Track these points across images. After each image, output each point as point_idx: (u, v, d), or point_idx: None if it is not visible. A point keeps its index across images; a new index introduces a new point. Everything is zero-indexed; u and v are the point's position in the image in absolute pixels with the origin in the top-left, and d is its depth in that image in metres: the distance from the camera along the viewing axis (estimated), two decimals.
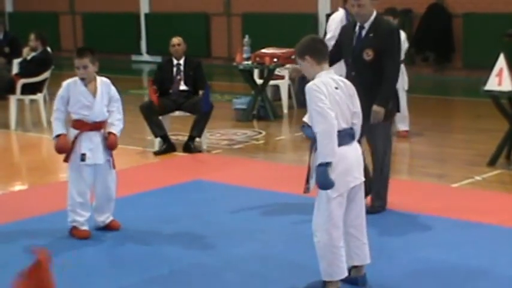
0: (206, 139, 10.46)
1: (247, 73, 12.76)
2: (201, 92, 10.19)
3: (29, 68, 12.27)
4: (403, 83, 10.85)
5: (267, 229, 6.86)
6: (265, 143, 11.02)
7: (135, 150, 10.34)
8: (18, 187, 9.03)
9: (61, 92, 6.71)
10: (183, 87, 10.31)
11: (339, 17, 10.39)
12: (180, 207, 7.60)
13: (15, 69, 12.89)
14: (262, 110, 12.54)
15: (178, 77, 10.31)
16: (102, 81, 6.82)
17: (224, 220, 7.18)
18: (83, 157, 6.64)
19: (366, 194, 6.53)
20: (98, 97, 6.74)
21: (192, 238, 6.67)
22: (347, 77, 6.87)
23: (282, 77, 13.08)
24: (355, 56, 7.00)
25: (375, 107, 6.85)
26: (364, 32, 7.00)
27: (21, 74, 12.37)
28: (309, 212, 5.33)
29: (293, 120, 12.68)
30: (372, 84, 6.81)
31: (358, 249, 5.39)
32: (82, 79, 6.71)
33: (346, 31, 7.26)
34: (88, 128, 6.68)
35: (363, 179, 5.36)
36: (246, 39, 12.75)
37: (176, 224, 7.03)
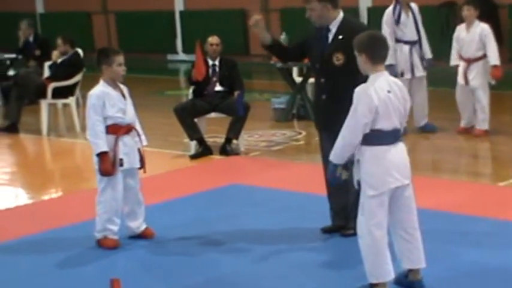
0: (244, 141, 10.27)
1: (286, 71, 12.52)
2: (236, 93, 9.98)
3: (60, 71, 12.07)
4: (487, 77, 10.53)
5: (308, 235, 6.68)
6: (306, 143, 10.77)
7: (171, 154, 10.19)
8: (51, 195, 8.95)
9: (94, 100, 6.50)
10: (218, 88, 10.11)
11: (388, 11, 10.28)
12: (216, 213, 7.50)
13: (46, 73, 12.74)
14: (302, 109, 12.29)
15: (214, 78, 10.12)
16: (120, 84, 6.76)
17: (263, 226, 7.01)
18: (121, 162, 6.52)
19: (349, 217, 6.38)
20: (127, 98, 6.69)
21: (229, 245, 6.56)
22: (316, 84, 6.56)
23: None
24: (324, 61, 6.34)
25: None
26: (331, 35, 6.37)
27: (52, 77, 12.19)
28: None
29: None
30: (344, 90, 5.89)
31: (409, 252, 5.35)
32: (112, 80, 6.59)
33: (312, 35, 6.57)
34: (123, 132, 6.58)
35: (407, 181, 5.26)
36: (283, 36, 12.46)
37: (212, 231, 6.91)
